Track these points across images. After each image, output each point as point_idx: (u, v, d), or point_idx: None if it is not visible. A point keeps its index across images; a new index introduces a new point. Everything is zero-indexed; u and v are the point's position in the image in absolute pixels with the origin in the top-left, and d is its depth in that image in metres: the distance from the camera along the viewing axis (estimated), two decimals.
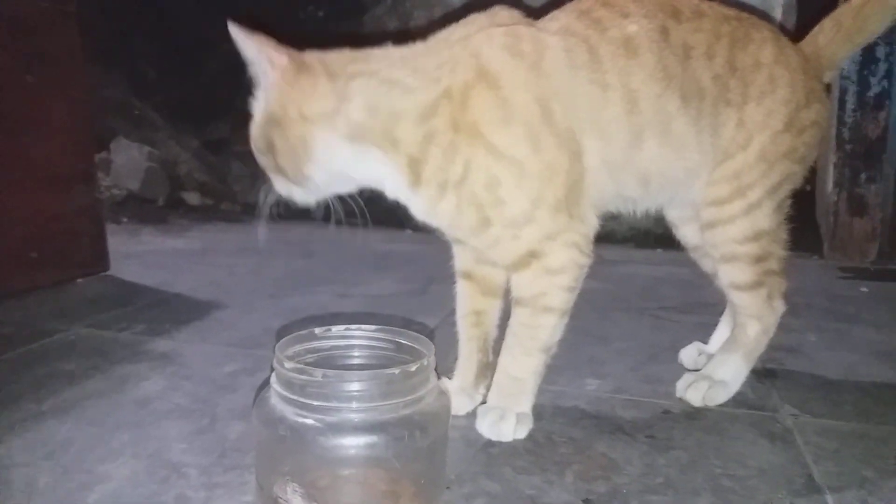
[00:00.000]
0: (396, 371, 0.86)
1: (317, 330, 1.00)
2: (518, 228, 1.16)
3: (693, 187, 1.32)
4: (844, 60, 1.46)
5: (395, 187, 1.17)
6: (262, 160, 1.20)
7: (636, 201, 1.33)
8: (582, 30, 1.19)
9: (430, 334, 1.67)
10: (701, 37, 1.24)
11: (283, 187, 1.20)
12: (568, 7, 1.27)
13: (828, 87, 1.46)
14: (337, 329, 1.02)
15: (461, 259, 1.34)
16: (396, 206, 1.23)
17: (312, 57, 1.12)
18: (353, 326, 1.02)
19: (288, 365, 0.87)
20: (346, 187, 1.21)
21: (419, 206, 1.18)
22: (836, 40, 1.40)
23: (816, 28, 1.43)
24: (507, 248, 1.17)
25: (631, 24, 1.21)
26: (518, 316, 1.21)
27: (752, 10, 1.39)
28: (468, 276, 1.33)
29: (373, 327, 1.02)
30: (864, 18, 1.38)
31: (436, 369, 0.96)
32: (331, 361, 1.00)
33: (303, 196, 1.20)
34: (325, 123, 1.11)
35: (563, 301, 1.20)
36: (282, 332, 1.69)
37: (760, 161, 1.29)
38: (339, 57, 1.14)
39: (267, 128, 1.14)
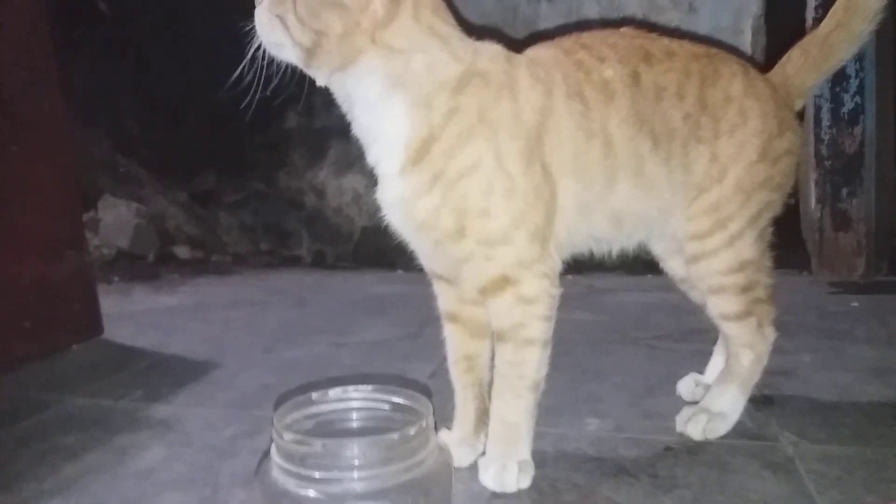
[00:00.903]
0: (395, 436, 0.87)
1: (314, 395, 1.01)
2: (492, 248, 1.16)
3: (668, 224, 1.35)
4: (814, 88, 1.49)
5: (390, 156, 1.16)
6: (287, 14, 1.11)
7: (609, 241, 1.36)
8: (573, 72, 1.23)
9: (425, 389, 1.67)
10: (672, 77, 1.28)
11: (284, 39, 1.12)
12: (550, 45, 1.31)
13: (800, 113, 1.49)
14: (334, 392, 1.02)
15: (445, 299, 1.33)
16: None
17: None
18: (350, 388, 1.03)
19: (287, 436, 0.88)
20: (344, 105, 1.20)
21: (397, 195, 1.17)
22: (804, 69, 1.43)
23: (784, 58, 1.47)
24: (480, 268, 1.18)
25: (607, 68, 1.25)
26: (502, 354, 1.21)
27: (720, 44, 1.42)
28: (454, 318, 1.33)
29: (369, 387, 1.03)
30: (831, 47, 1.41)
31: (434, 425, 0.96)
32: (330, 426, 1.00)
33: (294, 60, 1.15)
34: (386, 55, 1.11)
35: (542, 331, 1.20)
36: (279, 389, 1.70)
37: (738, 192, 1.31)
38: (428, 2, 1.15)
39: (329, 6, 1.09)
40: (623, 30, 1.35)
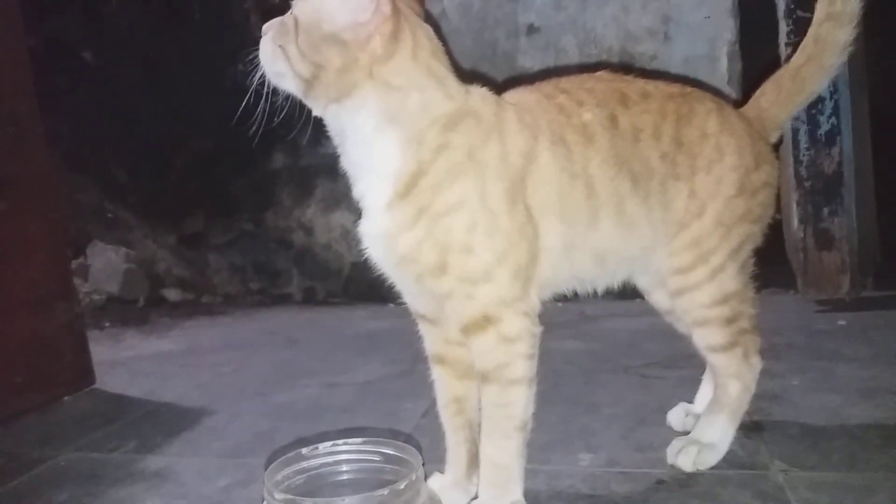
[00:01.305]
0: (386, 492, 0.88)
1: (304, 450, 1.02)
2: (474, 285, 1.17)
3: (651, 260, 1.38)
4: (788, 120, 1.52)
5: (379, 189, 1.17)
6: (289, 45, 1.13)
7: (593, 281, 1.38)
8: (555, 116, 1.26)
9: (412, 439, 1.68)
10: (648, 118, 1.31)
11: (285, 69, 1.15)
12: (531, 89, 1.34)
13: (777, 146, 1.52)
14: (324, 446, 1.03)
15: (430, 340, 1.34)
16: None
17: (407, 26, 1.15)
18: (340, 442, 1.03)
19: (279, 496, 0.88)
20: (337, 137, 1.21)
21: (381, 228, 1.18)
22: (777, 102, 1.47)
23: (758, 91, 1.50)
24: (461, 306, 1.19)
25: (586, 112, 1.28)
26: (488, 395, 1.22)
27: (696, 83, 1.46)
28: (441, 360, 1.34)
29: (359, 440, 1.04)
30: (803, 80, 1.45)
31: (424, 476, 0.97)
32: (321, 480, 1.01)
33: (294, 89, 1.17)
34: (383, 90, 1.14)
35: (526, 370, 1.21)
36: (272, 436, 1.71)
37: (718, 226, 1.34)
38: (427, 43, 1.18)
39: (330, 41, 1.12)
40: (600, 73, 1.38)
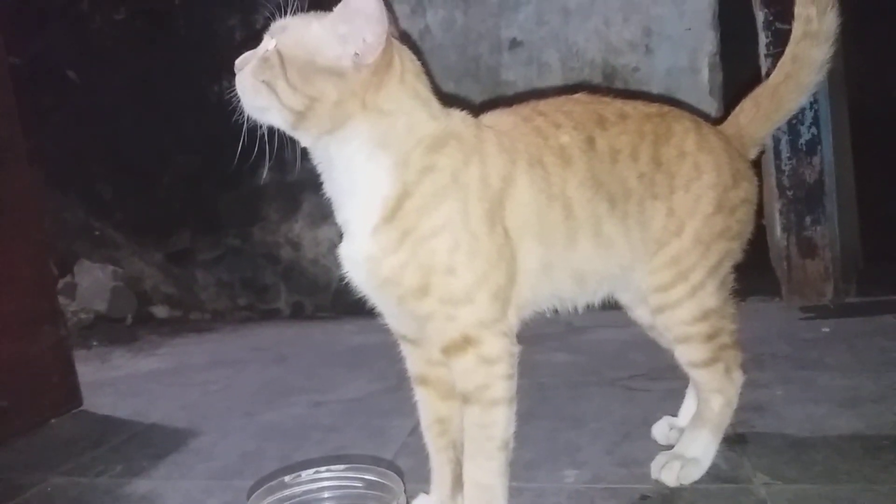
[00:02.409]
0: None
1: (286, 478, 1.02)
2: (455, 307, 1.18)
3: (630, 278, 1.39)
4: (767, 137, 1.53)
5: (366, 214, 1.17)
6: (276, 80, 1.14)
7: (573, 299, 1.39)
8: (533, 139, 1.27)
9: (393, 465, 1.68)
10: (626, 139, 1.33)
11: (270, 103, 1.15)
12: (508, 112, 1.35)
13: (758, 156, 1.54)
14: (307, 474, 1.03)
15: (413, 361, 1.35)
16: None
17: (397, 53, 1.17)
18: (323, 469, 1.04)
19: None
20: (322, 165, 1.22)
21: (365, 252, 1.18)
22: (756, 119, 1.48)
23: (737, 108, 1.52)
24: (442, 327, 1.20)
25: (563, 134, 1.30)
26: (470, 416, 1.23)
27: (674, 101, 1.47)
28: (424, 381, 1.34)
29: (342, 467, 1.04)
30: (781, 97, 1.47)
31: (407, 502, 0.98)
32: None
33: (280, 123, 1.18)
34: (375, 118, 1.15)
35: (506, 390, 1.22)
36: (258, 457, 1.71)
37: (696, 244, 1.35)
38: (412, 66, 1.20)
39: (325, 74, 1.13)
40: (578, 95, 1.39)
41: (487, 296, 1.20)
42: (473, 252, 1.18)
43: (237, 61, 1.18)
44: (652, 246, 1.36)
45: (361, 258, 1.19)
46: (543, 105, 1.34)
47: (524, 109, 1.34)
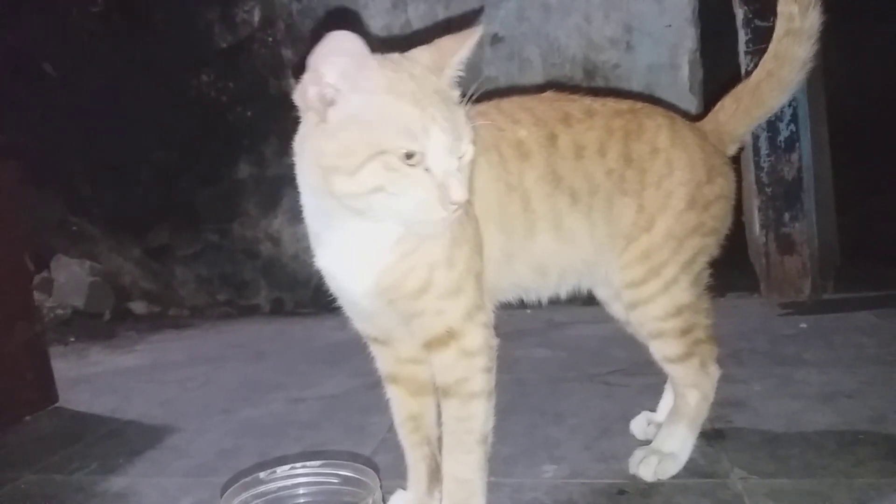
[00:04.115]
0: None
1: (261, 474, 1.01)
2: (448, 300, 1.18)
3: (596, 273, 1.41)
4: (746, 134, 1.54)
5: (385, 230, 1.13)
6: None
7: (536, 290, 1.40)
8: (489, 130, 1.26)
9: (370, 462, 1.67)
10: (592, 135, 1.33)
11: None
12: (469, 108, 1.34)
13: (737, 153, 1.54)
14: (282, 470, 1.03)
15: (382, 361, 1.35)
16: None
17: None
18: (298, 465, 1.03)
19: None
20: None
21: (381, 265, 1.15)
22: (736, 116, 1.49)
23: (718, 105, 1.52)
24: (430, 323, 1.19)
25: (521, 129, 1.30)
26: (448, 409, 1.23)
27: (650, 98, 1.47)
28: (394, 379, 1.35)
29: (318, 463, 1.04)
30: (761, 95, 1.47)
31: (383, 498, 0.97)
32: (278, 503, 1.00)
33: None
34: None
35: (484, 383, 1.22)
36: (236, 454, 1.70)
37: (668, 240, 1.36)
38: None
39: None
40: (545, 94, 1.39)
41: (473, 282, 1.20)
42: (460, 240, 1.19)
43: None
44: (621, 241, 1.36)
45: (375, 270, 1.16)
46: (505, 103, 1.34)
47: (482, 106, 1.32)
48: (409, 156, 1.02)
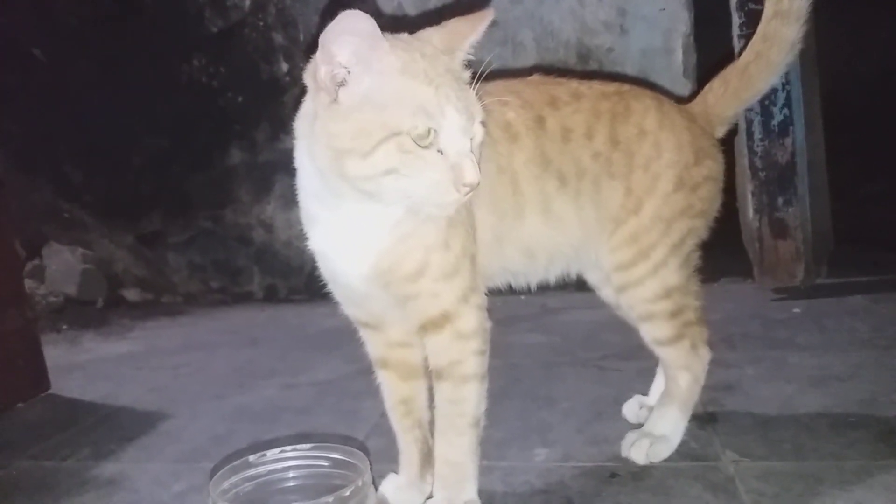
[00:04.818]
0: (331, 499, 0.87)
1: (251, 458, 1.01)
2: (445, 282, 1.18)
3: (585, 257, 1.40)
4: (735, 117, 1.53)
5: (385, 211, 1.12)
6: None
7: (525, 274, 1.40)
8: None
9: (363, 446, 1.67)
10: (580, 118, 1.32)
11: None
12: None
13: (733, 127, 1.53)
14: (272, 453, 1.02)
15: (372, 345, 1.35)
16: None
17: None
18: (288, 448, 1.03)
19: None
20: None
21: (379, 247, 1.14)
22: (724, 98, 1.48)
23: (706, 87, 1.52)
24: (425, 306, 1.19)
25: (509, 111, 1.29)
26: (442, 392, 1.23)
27: (639, 81, 1.46)
28: (384, 363, 1.35)
29: (308, 446, 1.03)
30: (750, 77, 1.47)
31: (373, 481, 0.97)
32: (269, 487, 1.01)
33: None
34: None
35: (478, 366, 1.22)
36: (228, 439, 1.69)
37: (657, 222, 1.35)
38: None
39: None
40: (532, 77, 1.39)
41: (469, 264, 1.20)
42: (455, 221, 1.18)
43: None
44: (609, 225, 1.36)
45: (372, 253, 1.15)
46: (491, 86, 1.32)
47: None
48: (423, 136, 1.01)
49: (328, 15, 1.02)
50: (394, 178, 1.02)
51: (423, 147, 1.01)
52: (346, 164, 1.04)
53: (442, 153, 1.02)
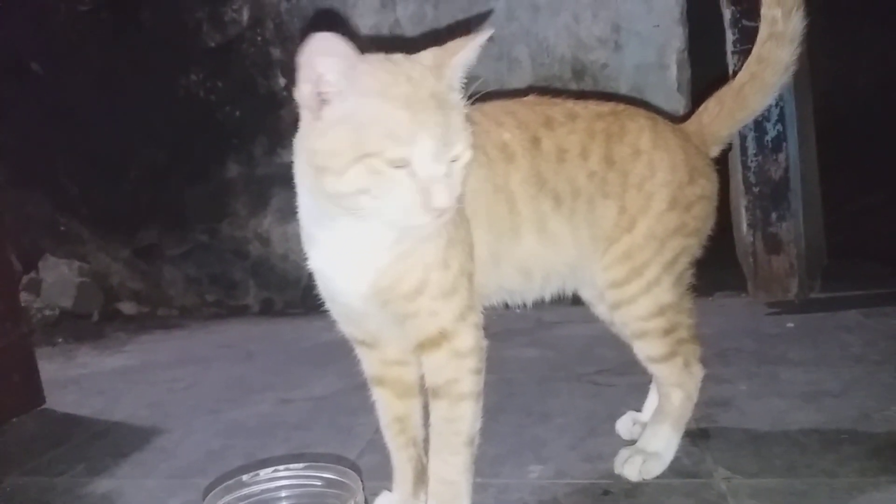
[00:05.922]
0: None
1: (244, 477, 1.01)
2: (443, 301, 1.18)
3: (580, 276, 1.41)
4: (730, 136, 1.54)
5: (382, 230, 1.12)
6: None
7: (521, 293, 1.41)
8: (475, 130, 1.26)
9: (355, 466, 1.67)
10: (574, 138, 1.34)
11: None
12: None
13: (725, 153, 1.55)
14: (265, 472, 1.03)
15: (368, 363, 1.35)
16: None
17: None
18: (281, 468, 1.03)
19: None
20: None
21: (378, 264, 1.15)
22: (719, 118, 1.50)
23: (701, 107, 1.53)
24: (423, 325, 1.20)
25: (505, 132, 1.31)
26: (437, 410, 1.23)
27: (633, 100, 1.47)
28: (380, 381, 1.35)
29: (301, 465, 1.04)
30: (745, 98, 1.48)
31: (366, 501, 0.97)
32: None
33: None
34: None
35: (474, 384, 1.22)
36: (223, 455, 1.69)
37: (650, 240, 1.36)
38: None
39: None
40: (527, 98, 1.40)
41: (467, 283, 1.21)
42: (454, 241, 1.19)
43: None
44: (603, 243, 1.37)
45: (371, 271, 1.16)
46: (488, 106, 1.33)
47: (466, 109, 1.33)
48: (394, 160, 1.01)
49: (305, 35, 1.03)
50: (367, 198, 1.04)
51: (395, 168, 1.02)
52: (324, 182, 1.05)
53: (415, 176, 1.03)
